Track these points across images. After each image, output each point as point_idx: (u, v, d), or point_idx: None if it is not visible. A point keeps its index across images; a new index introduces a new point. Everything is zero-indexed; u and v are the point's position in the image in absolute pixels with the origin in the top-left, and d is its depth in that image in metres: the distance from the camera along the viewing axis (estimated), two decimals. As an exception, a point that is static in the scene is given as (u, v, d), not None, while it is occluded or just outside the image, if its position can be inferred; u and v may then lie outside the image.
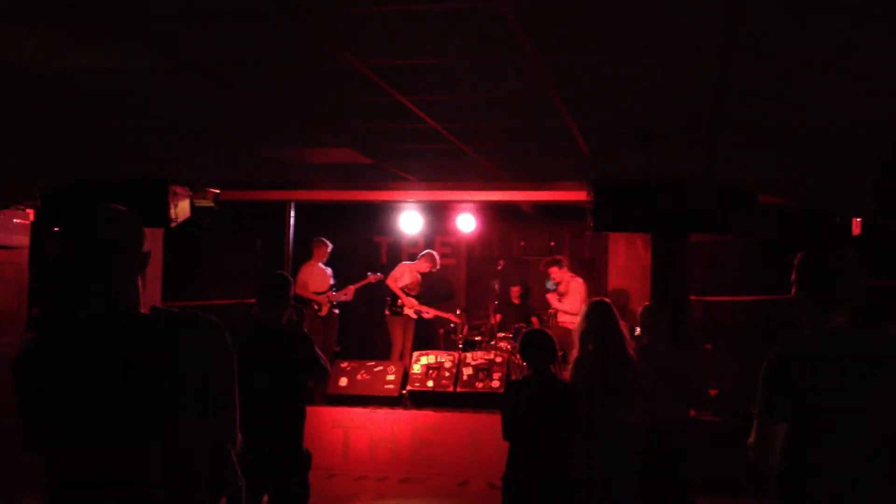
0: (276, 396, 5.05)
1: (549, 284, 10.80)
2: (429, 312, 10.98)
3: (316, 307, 10.51)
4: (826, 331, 3.02)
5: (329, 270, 10.82)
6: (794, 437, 2.94)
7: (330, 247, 10.81)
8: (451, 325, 10.98)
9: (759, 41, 3.59)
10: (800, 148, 5.85)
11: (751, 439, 3.02)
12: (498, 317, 11.03)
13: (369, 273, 10.98)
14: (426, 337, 11.43)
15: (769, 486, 3.04)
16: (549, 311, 10.74)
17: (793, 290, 3.13)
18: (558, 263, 10.72)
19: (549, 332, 5.36)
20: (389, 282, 10.83)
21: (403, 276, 10.86)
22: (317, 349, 5.38)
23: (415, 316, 10.83)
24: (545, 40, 3.61)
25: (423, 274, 11.08)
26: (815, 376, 2.95)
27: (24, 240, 7.68)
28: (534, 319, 11.03)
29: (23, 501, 7.29)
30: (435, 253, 11.13)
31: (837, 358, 2.98)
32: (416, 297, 10.90)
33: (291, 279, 5.38)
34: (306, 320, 10.34)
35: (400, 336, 10.65)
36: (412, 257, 11.39)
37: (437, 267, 11.07)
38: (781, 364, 2.99)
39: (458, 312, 11.09)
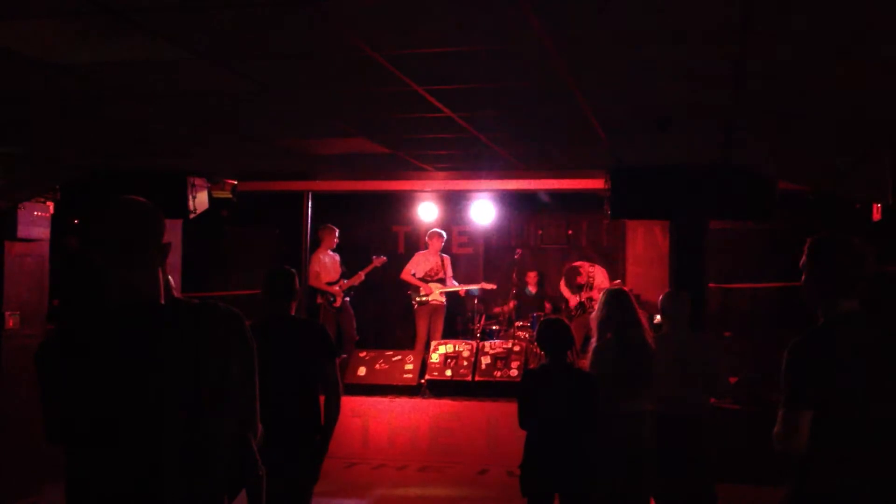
0: (289, 388, 4.96)
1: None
2: (459, 288, 10.89)
3: (331, 298, 10.48)
4: (841, 316, 3.01)
5: (338, 257, 10.73)
6: (820, 424, 2.93)
7: (337, 232, 10.72)
8: (487, 290, 10.94)
9: (776, 26, 3.56)
10: (818, 134, 5.81)
11: (776, 429, 2.99)
12: (513, 303, 10.99)
13: (374, 256, 10.88)
14: (444, 326, 11.41)
15: (792, 473, 3.03)
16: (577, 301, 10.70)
17: (802, 276, 3.12)
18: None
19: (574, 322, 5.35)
20: (404, 276, 10.68)
21: (419, 265, 10.73)
22: (336, 369, 5.19)
23: (443, 299, 10.66)
24: (563, 28, 3.60)
25: (447, 253, 11.01)
26: (839, 362, 2.94)
27: (44, 232, 7.74)
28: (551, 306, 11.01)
29: (45, 491, 7.38)
30: (438, 230, 10.98)
31: (859, 343, 2.97)
32: (442, 280, 10.75)
33: (294, 271, 5.23)
34: (321, 312, 10.37)
35: (424, 326, 10.53)
36: (426, 246, 11.29)
37: (444, 238, 10.94)
38: (804, 352, 2.97)
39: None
